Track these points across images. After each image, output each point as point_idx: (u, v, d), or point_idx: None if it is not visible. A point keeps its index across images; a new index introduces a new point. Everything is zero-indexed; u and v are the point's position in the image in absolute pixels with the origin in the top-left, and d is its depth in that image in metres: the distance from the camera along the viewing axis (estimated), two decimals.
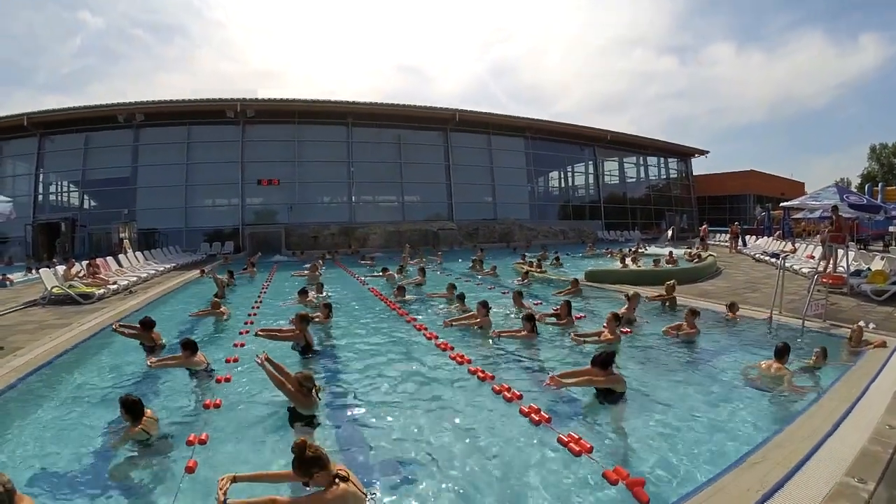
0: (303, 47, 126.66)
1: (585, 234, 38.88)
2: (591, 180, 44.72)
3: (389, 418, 5.61)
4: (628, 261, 19.29)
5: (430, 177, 35.93)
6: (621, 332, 8.47)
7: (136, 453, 4.64)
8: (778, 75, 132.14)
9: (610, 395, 5.59)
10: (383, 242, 31.03)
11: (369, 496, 3.48)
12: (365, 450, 4.89)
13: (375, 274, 17.77)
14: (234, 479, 3.39)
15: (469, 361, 7.31)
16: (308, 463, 3.15)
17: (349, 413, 5.81)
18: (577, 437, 4.68)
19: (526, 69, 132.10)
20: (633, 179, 48.27)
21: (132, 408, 4.61)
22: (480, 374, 6.70)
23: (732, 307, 9.64)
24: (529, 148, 39.90)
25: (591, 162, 44.16)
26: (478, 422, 5.44)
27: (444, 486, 4.17)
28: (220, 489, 3.25)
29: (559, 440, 4.72)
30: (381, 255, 25.99)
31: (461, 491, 4.09)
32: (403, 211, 34.78)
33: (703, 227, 29.49)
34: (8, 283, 16.72)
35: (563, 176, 44.76)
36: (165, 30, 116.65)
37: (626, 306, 9.66)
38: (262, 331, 8.11)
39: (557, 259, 21.61)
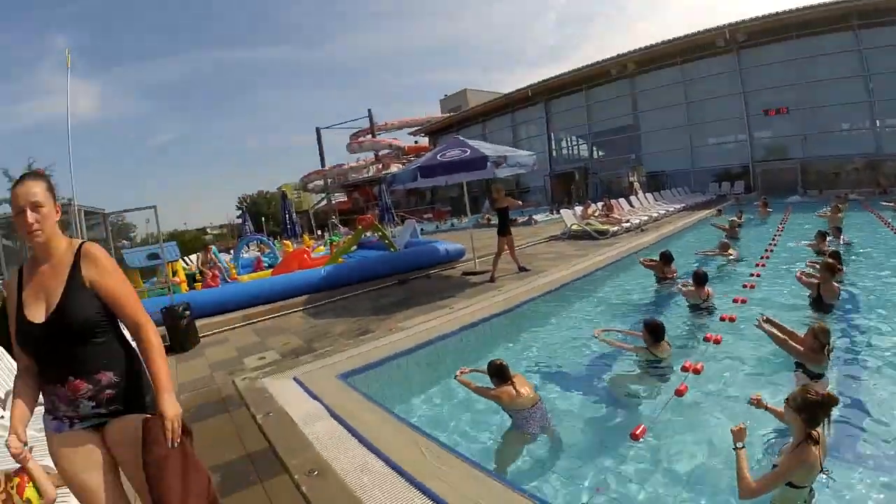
0: None
1: None
2: None
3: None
4: None
5: None
6: None
7: (637, 369, 5.13)
8: None
9: None
10: None
11: None
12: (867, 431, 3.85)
13: None
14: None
15: None
16: (813, 406, 2.76)
17: (858, 383, 4.64)
18: None
19: None
20: None
21: (654, 330, 5.01)
22: None
23: None
24: None
25: None
26: None
27: None
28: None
29: None
30: None
31: None
32: None
33: None
34: (533, 222, 22.23)
35: None
36: None
37: None
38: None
39: None
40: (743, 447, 3.00)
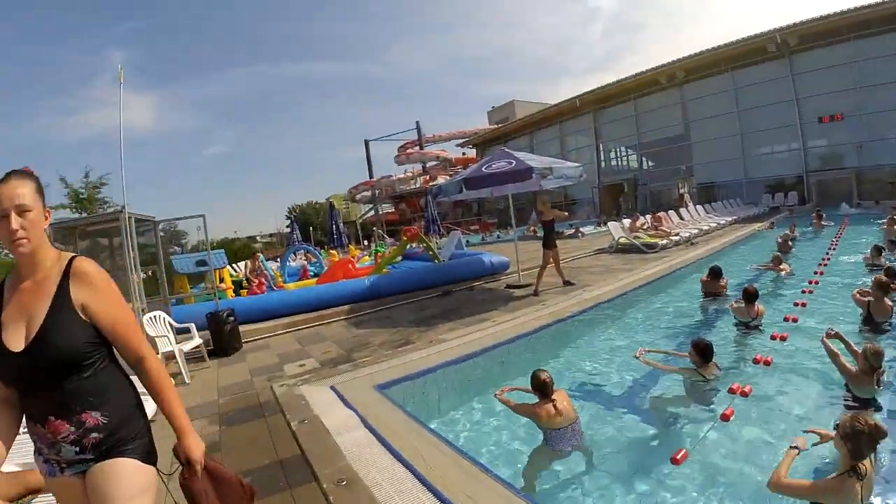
0: None
1: None
2: None
3: None
4: None
5: None
6: None
7: (681, 390, 4.93)
8: None
9: None
10: None
11: None
12: None
13: None
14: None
15: None
16: (858, 436, 2.68)
17: None
18: None
19: None
20: None
21: (704, 351, 4.80)
22: None
23: None
24: None
25: None
26: None
27: None
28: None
29: None
30: None
31: None
32: None
33: None
34: (579, 234, 21.41)
35: None
36: None
37: None
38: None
39: None
40: (795, 449, 3.01)
